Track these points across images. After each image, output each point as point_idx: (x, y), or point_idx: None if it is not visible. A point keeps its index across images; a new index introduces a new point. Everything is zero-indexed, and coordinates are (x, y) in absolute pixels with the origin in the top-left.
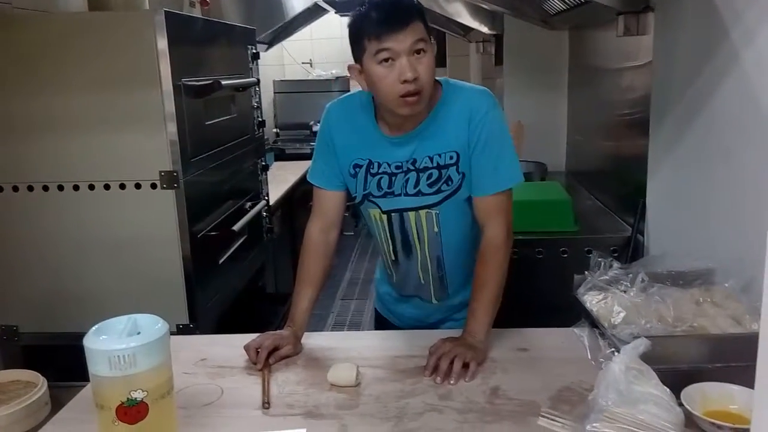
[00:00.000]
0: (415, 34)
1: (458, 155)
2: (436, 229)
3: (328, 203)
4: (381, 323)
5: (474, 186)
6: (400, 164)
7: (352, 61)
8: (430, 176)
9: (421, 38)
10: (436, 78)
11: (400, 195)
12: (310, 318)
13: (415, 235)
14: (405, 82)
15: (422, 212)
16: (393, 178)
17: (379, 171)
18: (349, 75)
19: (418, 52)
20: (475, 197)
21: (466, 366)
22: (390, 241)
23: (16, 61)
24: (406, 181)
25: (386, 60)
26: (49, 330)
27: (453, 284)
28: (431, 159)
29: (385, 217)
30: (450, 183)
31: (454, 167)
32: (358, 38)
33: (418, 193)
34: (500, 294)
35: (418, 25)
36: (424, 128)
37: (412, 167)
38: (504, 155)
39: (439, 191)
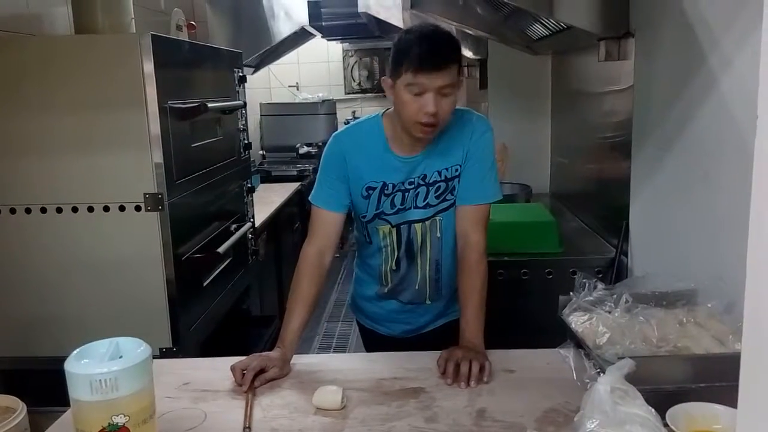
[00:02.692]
0: (447, 77)
1: (461, 167)
2: (438, 235)
3: (328, 225)
4: (368, 336)
5: (461, 196)
6: (413, 180)
7: (337, 85)
8: (438, 188)
9: (451, 83)
10: None
11: (410, 209)
12: (300, 339)
13: (419, 243)
14: (426, 113)
15: (428, 222)
16: (406, 194)
17: (393, 190)
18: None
19: (445, 92)
20: (461, 206)
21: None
22: (395, 251)
23: (0, 83)
24: (417, 195)
25: (415, 92)
26: (29, 354)
27: (446, 285)
28: (440, 173)
29: (394, 230)
30: (454, 192)
31: (457, 179)
32: (397, 62)
33: (426, 206)
34: (485, 300)
35: (453, 69)
36: (434, 147)
37: (422, 182)
38: (491, 172)
39: (444, 200)
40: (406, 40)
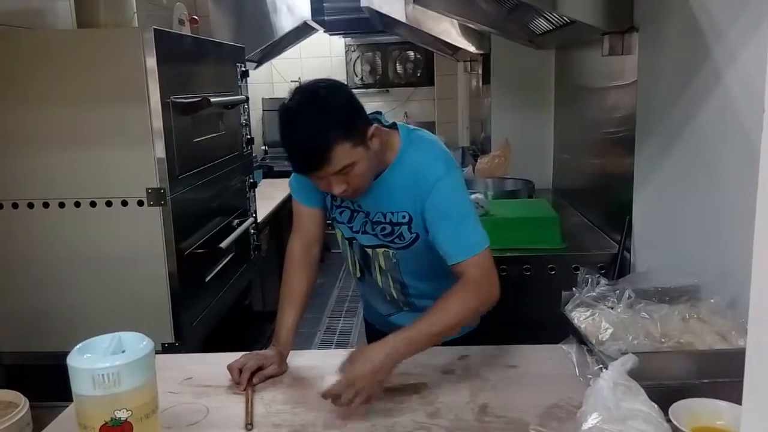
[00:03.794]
0: (334, 165)
1: (410, 217)
2: (394, 261)
3: (307, 219)
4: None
5: (447, 256)
6: (358, 207)
7: (339, 79)
8: (383, 229)
9: (343, 166)
10: (399, 126)
11: (358, 232)
12: (295, 336)
13: (376, 264)
14: (336, 193)
15: (382, 252)
16: (355, 215)
17: (342, 205)
18: None
19: (345, 172)
20: (453, 267)
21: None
22: (353, 261)
23: (2, 77)
24: (364, 223)
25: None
26: (31, 349)
27: (418, 294)
28: (384, 215)
29: (347, 241)
30: (402, 239)
31: (406, 226)
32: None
33: (375, 236)
34: (448, 330)
35: (336, 155)
36: (375, 187)
37: (365, 217)
38: (466, 221)
39: (392, 243)
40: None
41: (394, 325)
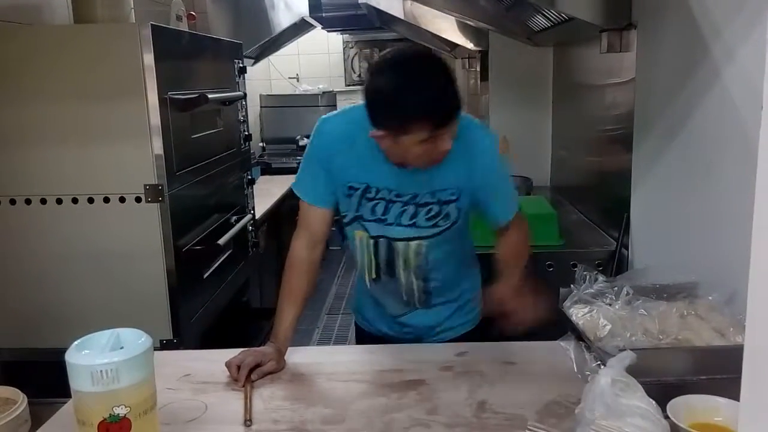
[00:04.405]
0: (453, 127)
1: (460, 193)
2: (423, 257)
3: (315, 220)
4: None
5: (497, 213)
6: (400, 194)
7: (337, 76)
8: (429, 211)
9: (453, 130)
10: None
11: (392, 224)
12: (294, 334)
13: (401, 261)
14: (440, 154)
15: (414, 244)
16: (390, 206)
17: (377, 197)
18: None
19: (447, 137)
20: (499, 225)
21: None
22: (374, 263)
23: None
24: (403, 212)
25: (426, 142)
26: (29, 345)
27: (438, 288)
28: (433, 194)
29: (372, 241)
30: (447, 218)
31: (454, 204)
32: (409, 123)
33: (413, 225)
34: (525, 257)
35: (456, 119)
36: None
37: (412, 201)
38: (510, 184)
39: (435, 226)
40: (415, 101)
41: (404, 326)
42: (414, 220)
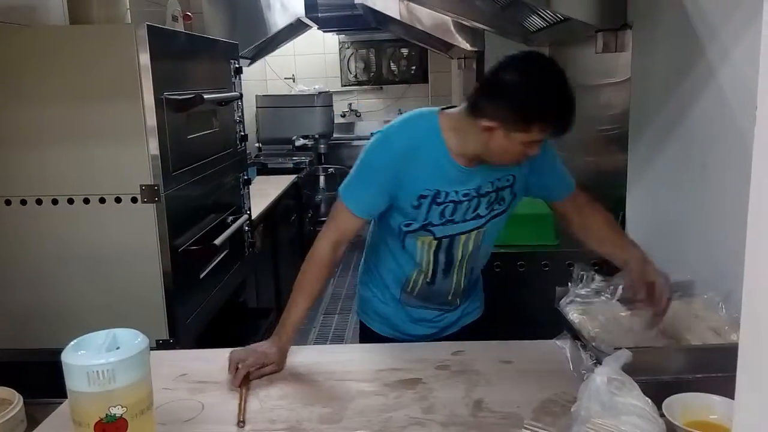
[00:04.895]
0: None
1: (515, 178)
2: (478, 245)
3: (350, 227)
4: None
5: (559, 189)
6: (467, 192)
7: (333, 77)
8: (489, 199)
9: None
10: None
11: (459, 222)
12: (299, 329)
13: (460, 255)
14: (528, 156)
15: (473, 233)
16: (457, 206)
17: (446, 200)
18: (481, 124)
19: None
20: (565, 199)
21: None
22: (432, 264)
23: None
24: (467, 208)
25: (529, 144)
26: (25, 346)
27: (474, 286)
28: (492, 183)
29: (435, 242)
30: (502, 203)
31: (509, 189)
32: (535, 119)
33: (476, 216)
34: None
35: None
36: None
37: (476, 194)
38: (561, 162)
39: (491, 211)
40: (548, 99)
41: (434, 324)
42: (477, 212)
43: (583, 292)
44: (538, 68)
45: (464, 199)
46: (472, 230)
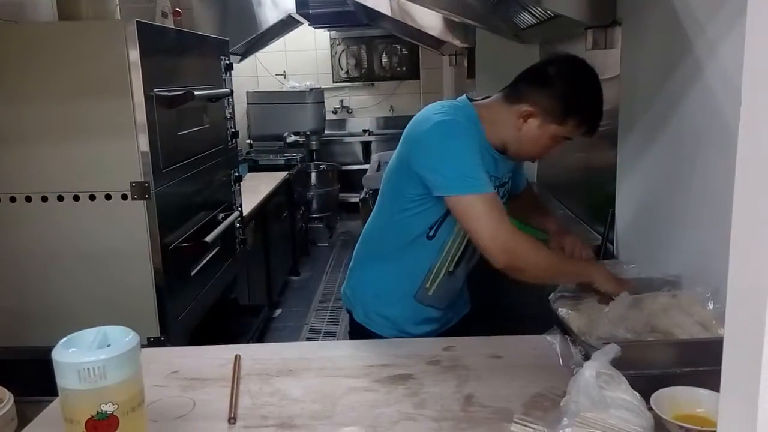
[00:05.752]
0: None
1: (514, 168)
2: None
3: (499, 203)
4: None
5: (521, 185)
6: (499, 178)
7: (324, 73)
8: (506, 189)
9: None
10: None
11: None
12: (283, 330)
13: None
14: (547, 155)
15: None
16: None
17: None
18: (519, 110)
19: None
20: (519, 193)
21: None
22: (459, 252)
23: None
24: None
25: (559, 141)
26: (15, 344)
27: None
28: (509, 173)
29: (463, 231)
30: (506, 195)
31: (510, 181)
32: (572, 112)
33: None
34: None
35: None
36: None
37: (499, 183)
38: None
39: (502, 198)
40: (588, 98)
41: (444, 322)
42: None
43: (572, 287)
44: (584, 71)
45: (497, 185)
46: None
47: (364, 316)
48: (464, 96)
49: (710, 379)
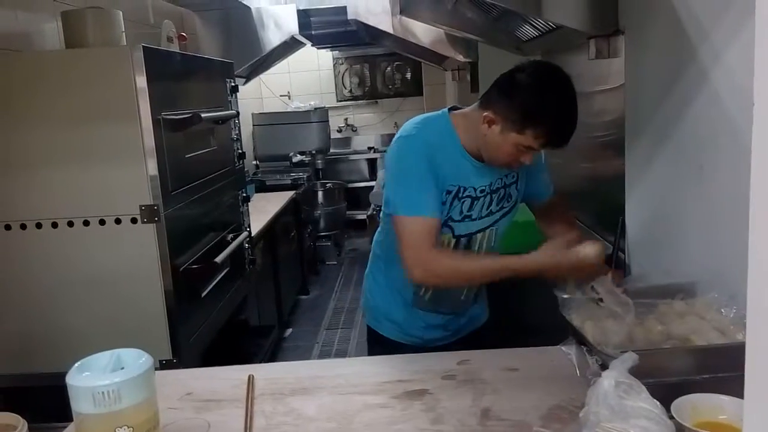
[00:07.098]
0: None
1: (518, 174)
2: (493, 244)
3: (431, 228)
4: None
5: (543, 191)
6: (483, 188)
7: (328, 92)
8: (500, 195)
9: None
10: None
11: (476, 219)
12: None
13: (476, 250)
14: (520, 164)
15: (488, 231)
16: (475, 202)
17: (464, 195)
18: (483, 115)
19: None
20: (543, 202)
21: None
22: None
23: None
24: (483, 204)
25: (523, 150)
26: (28, 371)
27: (481, 290)
28: (501, 179)
29: (454, 241)
30: (509, 200)
31: (515, 185)
32: (527, 121)
33: (490, 213)
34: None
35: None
36: None
37: (489, 190)
38: (546, 166)
39: (502, 208)
40: (548, 109)
41: (447, 328)
42: (490, 208)
43: (586, 297)
44: (550, 79)
45: (480, 195)
46: (486, 228)
47: (375, 320)
48: (446, 107)
49: (731, 385)
